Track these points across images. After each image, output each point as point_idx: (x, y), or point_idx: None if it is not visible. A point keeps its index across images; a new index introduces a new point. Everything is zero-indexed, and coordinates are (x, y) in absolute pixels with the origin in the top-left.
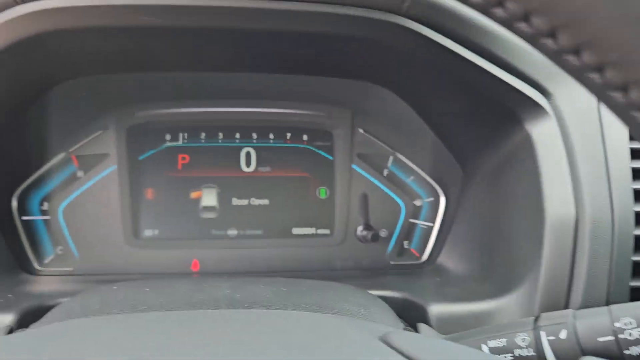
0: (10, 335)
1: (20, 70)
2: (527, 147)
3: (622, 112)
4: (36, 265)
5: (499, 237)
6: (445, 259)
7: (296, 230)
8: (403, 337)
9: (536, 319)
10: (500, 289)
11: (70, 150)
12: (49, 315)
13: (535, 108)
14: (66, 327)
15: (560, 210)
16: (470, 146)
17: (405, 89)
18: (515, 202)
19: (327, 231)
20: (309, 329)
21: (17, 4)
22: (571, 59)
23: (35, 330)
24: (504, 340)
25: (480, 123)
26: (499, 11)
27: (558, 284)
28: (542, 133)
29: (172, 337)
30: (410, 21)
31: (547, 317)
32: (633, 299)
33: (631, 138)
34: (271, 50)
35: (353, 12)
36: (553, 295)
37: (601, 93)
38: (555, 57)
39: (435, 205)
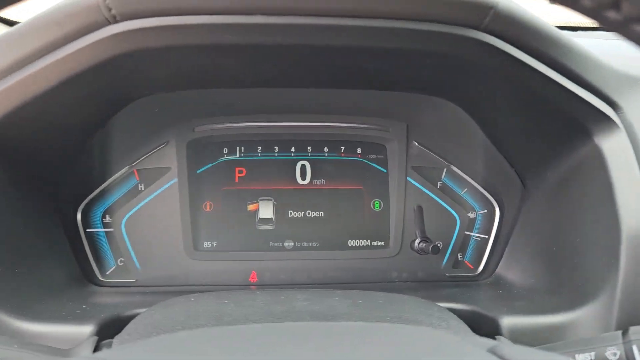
0: (112, 352)
1: (101, 89)
2: (597, 160)
3: None
4: (99, 277)
5: (567, 250)
6: (505, 271)
7: (351, 242)
8: (513, 349)
9: (624, 333)
10: (572, 302)
11: (133, 164)
12: (131, 326)
13: (605, 121)
14: (169, 341)
15: (636, 222)
16: (534, 159)
17: (471, 103)
18: (584, 215)
19: (381, 243)
20: (414, 342)
21: (110, 23)
22: None
23: (136, 345)
24: (592, 354)
25: (546, 136)
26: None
27: (637, 297)
28: (613, 146)
29: (278, 350)
30: (489, 36)
31: (636, 331)
32: None
33: None
34: (344, 66)
35: (434, 28)
36: (632, 308)
37: None
38: None
39: (489, 217)
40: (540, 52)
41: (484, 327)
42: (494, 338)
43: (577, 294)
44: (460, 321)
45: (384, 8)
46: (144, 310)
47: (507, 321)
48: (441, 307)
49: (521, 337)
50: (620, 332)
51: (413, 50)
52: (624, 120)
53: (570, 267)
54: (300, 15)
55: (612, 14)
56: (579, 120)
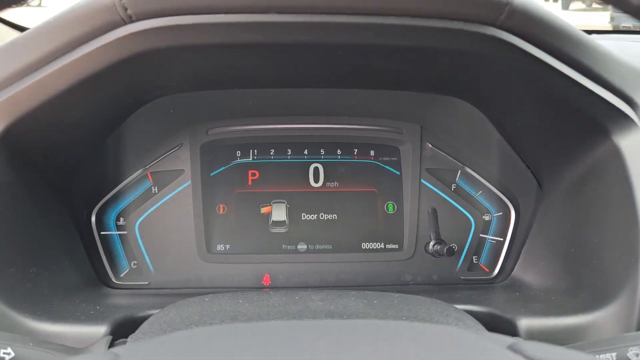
0: (131, 347)
1: (117, 90)
2: (615, 159)
3: None
4: (113, 279)
5: (585, 250)
6: (522, 274)
7: (365, 245)
8: (533, 346)
9: None
10: (591, 303)
11: (147, 167)
12: (145, 325)
13: (623, 119)
14: (184, 337)
15: None
16: (551, 159)
17: (487, 102)
18: (602, 215)
19: (395, 246)
20: (433, 339)
21: (125, 23)
22: None
23: (149, 342)
24: (614, 354)
25: (564, 135)
26: None
27: None
28: (631, 144)
29: (296, 346)
30: (505, 33)
31: None
32: None
33: None
34: (359, 65)
35: (450, 25)
36: None
37: None
38: None
39: (504, 219)
40: (557, 49)
41: (501, 328)
42: None
43: (597, 295)
44: (477, 322)
45: (399, 5)
46: (157, 311)
47: (525, 323)
48: (457, 308)
49: (539, 339)
50: None
51: (429, 48)
52: None
53: (589, 268)
54: (315, 13)
55: None
56: (596, 119)
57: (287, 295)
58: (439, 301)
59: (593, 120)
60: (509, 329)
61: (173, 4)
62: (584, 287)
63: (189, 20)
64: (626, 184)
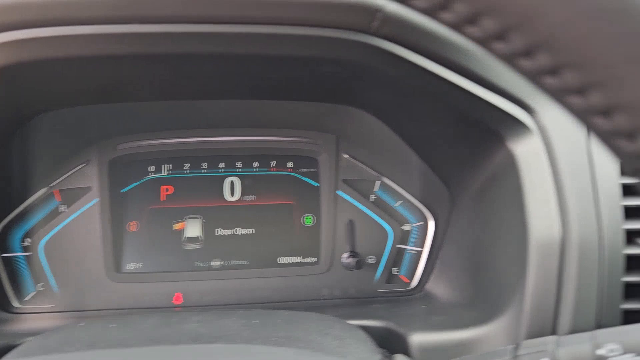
0: None
1: None
2: (510, 166)
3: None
4: (15, 304)
5: (485, 261)
6: (434, 285)
7: (282, 259)
8: None
9: (516, 347)
10: (486, 316)
11: (52, 184)
12: (8, 357)
13: (518, 126)
14: None
15: (545, 230)
16: (455, 167)
17: (384, 112)
18: (500, 224)
19: (313, 259)
20: None
21: None
22: (527, 63)
23: None
24: None
25: (463, 143)
26: (447, 16)
27: (544, 309)
28: (526, 151)
29: None
30: (381, 40)
31: (527, 345)
32: (625, 322)
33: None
34: (244, 75)
35: (321, 33)
36: (539, 320)
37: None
38: (509, 60)
39: (423, 229)
40: (440, 55)
41: (395, 344)
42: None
43: (491, 307)
44: (363, 339)
45: (268, 14)
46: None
47: (416, 338)
48: (349, 325)
49: (430, 354)
50: (512, 346)
51: (305, 57)
52: (538, 125)
53: (487, 279)
54: (180, 22)
55: (447, 16)
56: (491, 126)
57: (165, 317)
58: (329, 318)
59: (488, 128)
60: (401, 345)
61: (30, 16)
62: (482, 299)
63: (48, 33)
64: (519, 192)
